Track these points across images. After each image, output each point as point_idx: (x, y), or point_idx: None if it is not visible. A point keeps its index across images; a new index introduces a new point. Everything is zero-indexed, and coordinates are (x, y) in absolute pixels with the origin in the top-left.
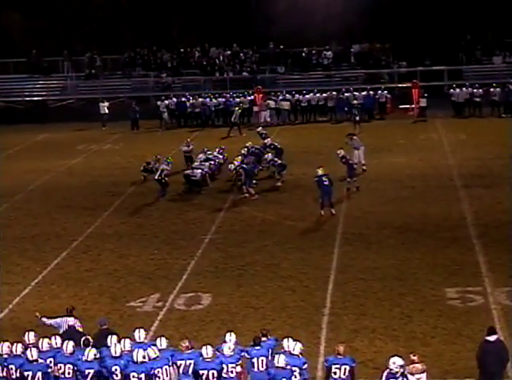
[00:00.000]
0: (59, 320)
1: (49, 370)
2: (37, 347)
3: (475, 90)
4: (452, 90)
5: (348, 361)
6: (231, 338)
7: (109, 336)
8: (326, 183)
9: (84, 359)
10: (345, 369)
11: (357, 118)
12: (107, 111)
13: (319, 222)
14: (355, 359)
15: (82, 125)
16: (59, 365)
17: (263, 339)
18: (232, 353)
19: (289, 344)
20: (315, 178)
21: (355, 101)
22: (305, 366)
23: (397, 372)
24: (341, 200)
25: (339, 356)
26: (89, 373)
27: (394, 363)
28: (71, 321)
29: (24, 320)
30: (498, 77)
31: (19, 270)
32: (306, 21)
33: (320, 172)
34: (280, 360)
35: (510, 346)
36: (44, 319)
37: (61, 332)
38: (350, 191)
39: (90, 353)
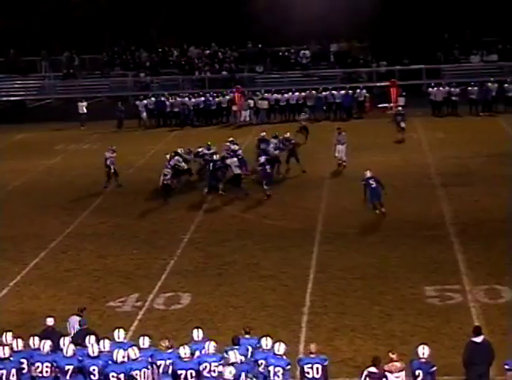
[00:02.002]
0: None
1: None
2: (11, 347)
3: (452, 89)
4: (430, 89)
5: (320, 360)
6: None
7: (87, 336)
8: (373, 186)
9: (63, 355)
10: (317, 368)
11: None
12: (85, 110)
13: (298, 221)
14: (327, 358)
15: (60, 125)
16: (36, 364)
17: (246, 336)
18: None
19: (267, 343)
20: (362, 181)
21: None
22: (288, 367)
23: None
24: (320, 199)
25: (311, 356)
26: (68, 369)
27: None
28: (74, 319)
29: (2, 320)
30: (476, 76)
31: None
32: (285, 21)
33: (368, 174)
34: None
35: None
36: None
37: (71, 331)
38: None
39: (69, 349)
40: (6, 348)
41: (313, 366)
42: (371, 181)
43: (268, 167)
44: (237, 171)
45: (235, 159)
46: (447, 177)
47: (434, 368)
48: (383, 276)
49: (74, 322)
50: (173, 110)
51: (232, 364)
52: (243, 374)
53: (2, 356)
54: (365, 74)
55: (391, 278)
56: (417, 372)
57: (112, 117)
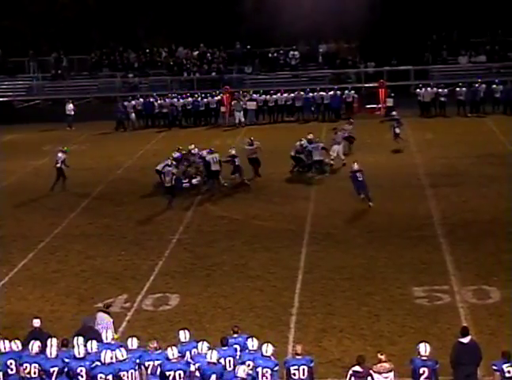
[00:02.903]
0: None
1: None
2: None
3: (440, 90)
4: (418, 90)
5: (306, 361)
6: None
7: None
8: (360, 178)
9: (47, 356)
10: (303, 369)
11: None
12: (73, 112)
13: (286, 222)
14: (313, 359)
15: (48, 126)
16: (24, 365)
17: (234, 335)
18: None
19: (253, 344)
20: (350, 173)
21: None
22: (276, 368)
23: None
24: (308, 200)
25: (297, 357)
26: (53, 371)
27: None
28: (100, 316)
29: None
30: (464, 77)
31: None
32: (273, 21)
33: (356, 167)
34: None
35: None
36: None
37: (98, 327)
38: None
39: (53, 350)
40: None
41: (299, 367)
42: (358, 174)
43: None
44: (216, 168)
45: (216, 155)
46: (435, 178)
47: (438, 365)
48: (371, 277)
49: (101, 319)
50: (161, 111)
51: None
52: None
53: None
54: (354, 75)
55: (380, 278)
56: (421, 370)
57: (100, 118)
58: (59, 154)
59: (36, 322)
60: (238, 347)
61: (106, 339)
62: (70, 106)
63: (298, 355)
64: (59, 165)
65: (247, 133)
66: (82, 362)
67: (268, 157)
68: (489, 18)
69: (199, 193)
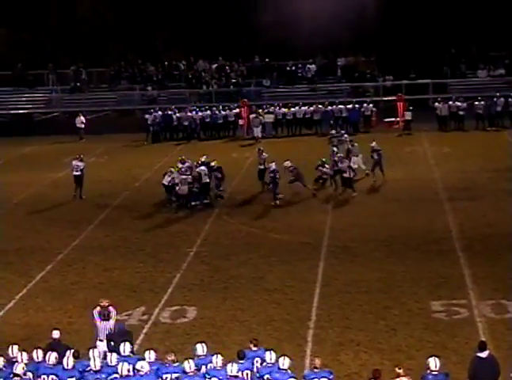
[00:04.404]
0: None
1: None
2: (21, 362)
3: (458, 104)
4: (436, 104)
5: (326, 374)
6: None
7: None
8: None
9: (64, 367)
10: None
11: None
12: (83, 125)
13: (304, 235)
14: (332, 371)
15: (66, 138)
16: (42, 377)
17: (253, 348)
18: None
19: (272, 357)
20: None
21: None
22: None
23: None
24: (326, 213)
25: (316, 370)
26: None
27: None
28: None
29: (7, 333)
30: (483, 91)
31: (3, 283)
32: (291, 35)
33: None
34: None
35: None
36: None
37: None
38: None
39: (70, 362)
40: (20, 365)
41: None
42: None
43: None
44: (206, 180)
45: (203, 167)
46: (453, 192)
47: (449, 378)
48: (388, 290)
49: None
50: (180, 123)
51: None
52: None
53: (15, 372)
54: (372, 89)
55: (397, 292)
56: None
57: (118, 130)
58: (79, 163)
59: (56, 334)
60: (258, 360)
61: (124, 352)
62: (81, 119)
63: (317, 368)
64: (79, 173)
65: (265, 146)
66: (98, 374)
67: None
68: (508, 32)
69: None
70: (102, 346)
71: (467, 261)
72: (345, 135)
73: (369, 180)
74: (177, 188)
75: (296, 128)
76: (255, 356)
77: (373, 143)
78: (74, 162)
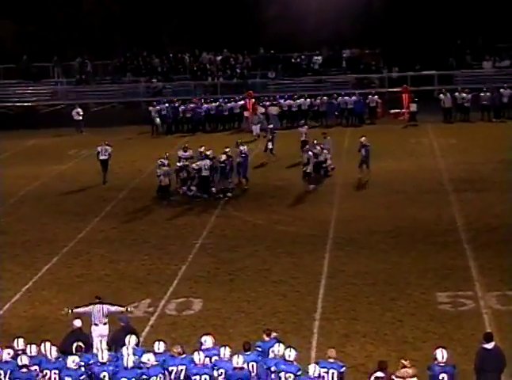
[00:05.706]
0: (88, 308)
1: (37, 378)
2: (26, 354)
3: (464, 95)
4: (441, 95)
5: (336, 366)
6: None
7: (128, 336)
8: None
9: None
10: (333, 373)
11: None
12: (81, 117)
13: (309, 227)
14: (344, 364)
15: (72, 130)
16: (44, 371)
17: (266, 339)
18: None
19: (279, 349)
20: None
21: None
22: (299, 372)
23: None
24: (331, 205)
25: (330, 360)
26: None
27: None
28: (99, 307)
29: (14, 326)
30: (489, 82)
31: (10, 276)
32: (297, 27)
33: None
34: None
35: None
36: (77, 310)
37: (94, 320)
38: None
39: (70, 361)
40: (24, 357)
41: (329, 370)
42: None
43: None
44: (205, 173)
45: (207, 161)
46: (459, 183)
47: (456, 370)
48: (394, 282)
49: (95, 310)
50: (185, 116)
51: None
52: None
53: (20, 364)
54: (377, 80)
55: (403, 284)
56: (441, 376)
57: (124, 123)
58: (107, 147)
59: (77, 322)
60: (274, 350)
61: (129, 344)
62: (77, 110)
63: (331, 358)
64: (106, 157)
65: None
66: (105, 366)
67: (291, 162)
68: None
69: (220, 198)
70: (98, 330)
71: (473, 253)
72: (305, 127)
73: (353, 175)
74: (159, 179)
75: (300, 120)
76: (269, 347)
77: (362, 138)
78: (101, 147)
